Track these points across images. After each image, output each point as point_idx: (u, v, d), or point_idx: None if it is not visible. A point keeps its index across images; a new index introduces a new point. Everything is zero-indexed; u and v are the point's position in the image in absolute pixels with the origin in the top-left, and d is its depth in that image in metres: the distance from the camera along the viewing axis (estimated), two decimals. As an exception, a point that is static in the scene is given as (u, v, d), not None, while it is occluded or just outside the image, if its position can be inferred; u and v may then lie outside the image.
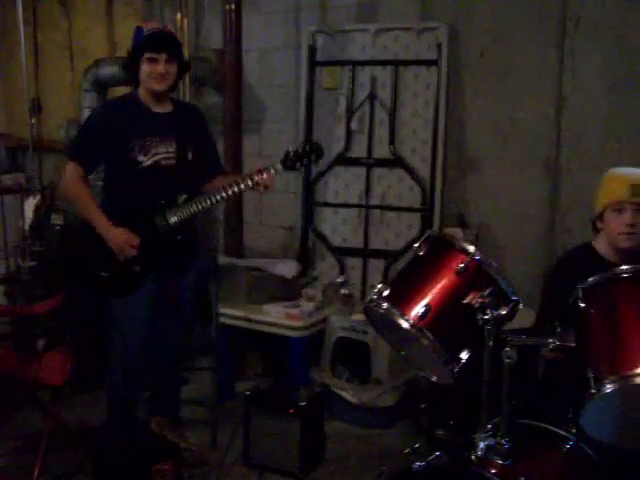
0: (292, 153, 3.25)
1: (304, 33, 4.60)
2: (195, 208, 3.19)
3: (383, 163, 4.45)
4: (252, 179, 3.20)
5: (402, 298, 2.15)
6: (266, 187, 3.23)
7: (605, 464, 2.27)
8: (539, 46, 4.04)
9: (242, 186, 3.20)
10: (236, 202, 4.65)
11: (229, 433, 3.66)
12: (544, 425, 2.41)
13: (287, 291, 4.33)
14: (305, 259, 4.66)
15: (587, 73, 3.94)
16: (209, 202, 3.19)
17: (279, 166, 3.24)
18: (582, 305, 2.01)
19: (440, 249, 2.20)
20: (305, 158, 3.28)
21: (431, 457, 2.34)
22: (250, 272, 4.38)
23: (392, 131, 4.39)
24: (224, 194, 3.19)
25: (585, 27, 3.92)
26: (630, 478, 2.38)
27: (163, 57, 3.10)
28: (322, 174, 4.59)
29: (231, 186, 3.19)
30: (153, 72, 3.12)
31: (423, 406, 3.54)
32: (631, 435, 2.15)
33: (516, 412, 2.53)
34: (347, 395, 4.03)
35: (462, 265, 2.09)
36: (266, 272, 4.39)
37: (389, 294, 2.17)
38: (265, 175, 3.20)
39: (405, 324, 2.10)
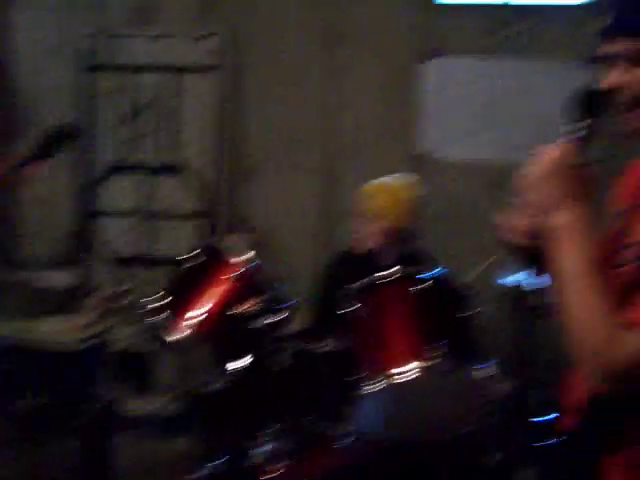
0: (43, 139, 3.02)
1: (79, 35, 4.42)
2: None
3: (166, 169, 4.38)
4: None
5: (179, 308, 2.13)
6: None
7: (380, 459, 2.39)
8: (316, 56, 4.19)
9: None
10: (5, 210, 4.38)
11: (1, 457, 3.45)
12: (323, 424, 2.49)
13: (66, 303, 4.15)
14: (85, 269, 4.48)
15: (359, 84, 4.15)
16: None
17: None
18: (352, 307, 2.09)
19: (216, 257, 2.22)
20: (58, 142, 3.04)
21: (213, 464, 2.34)
22: (25, 284, 4.15)
23: (175, 137, 4.34)
24: None
25: (357, 40, 4.11)
26: (403, 469, 2.52)
27: None
28: (103, 181, 4.44)
29: None
30: None
31: (207, 414, 3.54)
32: (402, 430, 2.28)
33: (298, 413, 2.60)
34: (132, 407, 3.94)
35: (237, 273, 2.12)
36: (42, 284, 4.18)
37: (166, 304, 2.15)
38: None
39: (182, 334, 2.09)
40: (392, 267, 2.55)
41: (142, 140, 4.40)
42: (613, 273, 1.33)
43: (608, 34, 1.33)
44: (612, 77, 1.33)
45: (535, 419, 3.19)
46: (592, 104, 1.32)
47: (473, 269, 3.29)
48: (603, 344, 1.22)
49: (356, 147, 4.18)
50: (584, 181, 1.30)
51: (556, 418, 1.52)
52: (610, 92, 1.33)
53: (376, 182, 3.03)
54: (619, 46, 1.31)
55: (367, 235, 2.92)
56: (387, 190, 2.98)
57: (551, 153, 1.30)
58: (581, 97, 1.33)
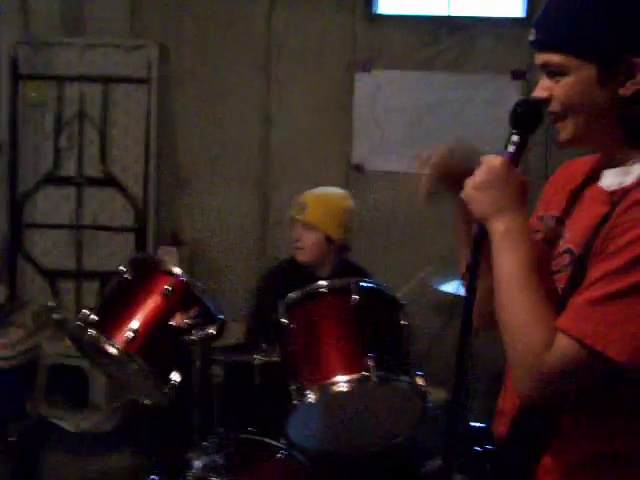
0: None
1: (4, 43, 4.32)
2: None
3: (94, 182, 4.31)
4: None
5: (109, 323, 2.11)
6: None
7: (315, 469, 2.41)
8: (247, 69, 4.18)
9: None
10: None
11: None
12: (258, 437, 2.49)
13: (-6, 319, 4.05)
14: (13, 284, 4.38)
15: (291, 96, 4.16)
16: None
17: None
18: (284, 320, 2.10)
19: (146, 271, 2.19)
20: None
21: (149, 480, 2.32)
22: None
23: (103, 149, 4.28)
24: None
25: (288, 54, 4.13)
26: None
27: None
28: (30, 194, 4.34)
29: None
30: None
31: (142, 429, 3.51)
32: (336, 441, 2.29)
33: (234, 426, 2.59)
34: (65, 424, 3.86)
35: (168, 287, 2.10)
36: (-32, 300, 4.07)
37: (95, 320, 2.12)
38: None
39: (113, 350, 2.06)
40: (327, 278, 2.58)
41: (70, 152, 4.32)
42: (551, 280, 1.36)
43: (533, 48, 1.38)
44: (539, 88, 1.37)
45: (473, 425, 3.26)
46: (525, 115, 1.36)
47: (405, 283, 3.34)
48: (536, 347, 1.25)
49: (290, 159, 4.20)
50: (521, 189, 1.34)
51: (492, 425, 1.55)
52: (540, 103, 1.36)
53: (313, 192, 3.05)
54: (541, 59, 1.36)
55: (305, 245, 2.93)
56: (324, 200, 3.01)
57: (490, 162, 1.33)
58: (515, 108, 1.37)
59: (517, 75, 3.85)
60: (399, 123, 4.05)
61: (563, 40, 1.32)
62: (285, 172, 4.20)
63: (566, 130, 1.36)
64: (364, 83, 4.05)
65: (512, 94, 3.70)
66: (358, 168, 4.11)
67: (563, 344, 1.24)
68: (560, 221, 1.47)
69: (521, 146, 1.36)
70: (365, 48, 4.04)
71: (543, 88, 1.36)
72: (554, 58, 1.32)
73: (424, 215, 4.02)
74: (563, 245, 1.41)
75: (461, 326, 1.38)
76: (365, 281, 2.16)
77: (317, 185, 3.20)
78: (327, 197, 3.03)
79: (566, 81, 1.32)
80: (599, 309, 1.22)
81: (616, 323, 1.21)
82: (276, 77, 4.16)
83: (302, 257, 2.95)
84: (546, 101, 1.36)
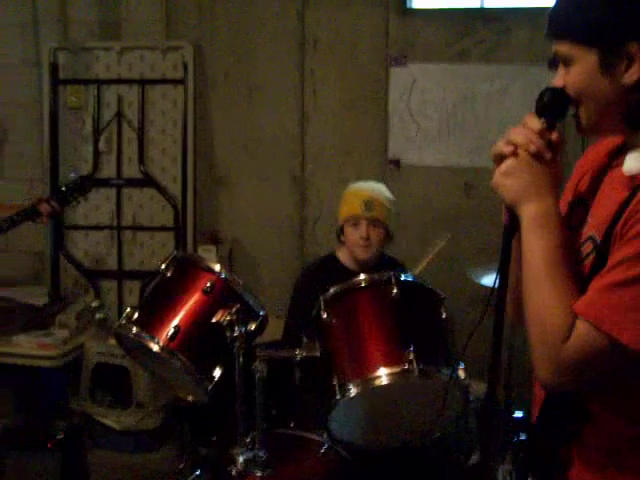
0: (64, 188, 3.22)
1: (44, 49, 4.40)
2: None
3: (133, 183, 4.37)
4: (34, 210, 3.12)
5: (151, 321, 2.13)
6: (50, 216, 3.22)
7: (357, 463, 2.41)
8: (281, 66, 4.20)
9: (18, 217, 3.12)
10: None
11: (-21, 477, 3.42)
12: (300, 433, 2.50)
13: (38, 320, 4.12)
14: (57, 285, 4.46)
15: (326, 92, 4.16)
16: None
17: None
18: (324, 315, 2.11)
19: (186, 269, 2.22)
20: (76, 193, 3.26)
21: (191, 477, 2.34)
22: (-2, 301, 4.12)
23: (141, 150, 4.33)
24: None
25: (322, 49, 4.13)
26: (381, 473, 2.54)
27: None
28: (71, 196, 4.41)
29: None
30: None
31: (185, 426, 3.54)
32: (377, 435, 2.30)
33: (276, 422, 2.61)
34: (109, 422, 3.92)
35: (208, 284, 2.12)
36: (14, 301, 4.14)
37: (137, 317, 2.15)
38: (51, 204, 3.14)
39: (155, 347, 2.09)
40: (368, 272, 2.58)
41: (109, 154, 4.39)
42: (576, 269, 1.35)
43: (547, 38, 1.40)
44: (555, 78, 1.38)
45: (515, 416, 3.24)
46: (551, 103, 1.35)
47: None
48: (557, 333, 1.24)
49: (326, 155, 4.20)
50: (552, 175, 1.33)
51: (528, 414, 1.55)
52: (560, 91, 1.36)
53: (366, 187, 3.06)
54: (553, 49, 1.38)
55: (374, 242, 2.94)
56: (382, 194, 3.03)
57: (526, 145, 1.32)
58: (540, 96, 1.37)
59: (554, 65, 3.80)
60: (435, 117, 4.03)
61: (568, 28, 1.34)
62: (322, 168, 4.21)
63: (582, 117, 1.36)
64: (399, 77, 4.04)
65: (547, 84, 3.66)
66: (394, 163, 4.10)
67: (580, 329, 1.23)
68: (585, 206, 1.45)
69: (549, 130, 1.34)
70: (399, 42, 4.03)
71: (559, 77, 1.37)
72: (562, 47, 1.34)
73: (460, 207, 4.01)
74: (587, 232, 1.40)
75: (494, 317, 1.37)
76: (405, 275, 2.16)
77: (352, 181, 3.21)
78: (382, 191, 3.05)
79: (573, 69, 1.34)
80: (616, 294, 1.21)
81: (633, 308, 1.19)
82: (310, 73, 4.16)
83: (368, 254, 2.95)
84: (562, 90, 1.36)
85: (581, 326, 1.23)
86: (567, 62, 1.34)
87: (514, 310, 1.44)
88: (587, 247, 1.38)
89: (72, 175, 3.48)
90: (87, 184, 3.34)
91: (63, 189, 3.26)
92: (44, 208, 3.16)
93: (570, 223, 1.44)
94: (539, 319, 1.28)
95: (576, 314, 1.24)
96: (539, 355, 1.29)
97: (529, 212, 1.31)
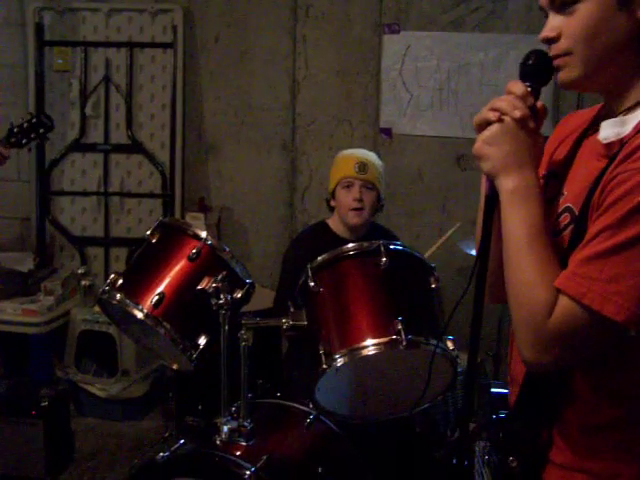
0: (16, 128, 3.02)
1: (29, 9, 4.29)
2: None
3: (121, 149, 4.31)
4: None
5: (135, 288, 2.09)
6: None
7: (343, 434, 2.39)
8: (273, 32, 4.13)
9: None
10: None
11: (-39, 444, 3.40)
12: (286, 402, 2.48)
13: (24, 286, 4.08)
14: (43, 251, 4.41)
15: (317, 60, 4.10)
16: None
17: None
18: (311, 284, 2.07)
19: (172, 236, 2.17)
20: (32, 132, 3.06)
21: (175, 446, 2.32)
22: (-18, 268, 4.07)
23: (129, 116, 4.27)
24: None
25: (314, 15, 4.06)
26: (368, 444, 2.53)
27: None
28: (57, 161, 4.35)
29: None
30: None
31: (171, 394, 3.52)
32: (364, 406, 2.27)
33: (262, 391, 2.59)
34: (95, 389, 3.92)
35: (194, 251, 2.08)
36: (1, 266, 4.10)
37: (122, 284, 2.11)
38: None
39: (139, 314, 2.05)
40: (358, 240, 2.55)
41: (96, 119, 4.31)
42: (553, 242, 1.31)
43: None
44: (546, 29, 1.31)
45: (494, 392, 3.23)
46: (536, 67, 1.30)
47: (431, 245, 3.30)
48: (540, 308, 1.21)
49: (317, 123, 4.15)
50: (534, 146, 1.29)
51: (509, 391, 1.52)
52: (549, 41, 1.30)
53: (358, 152, 3.05)
54: None
55: (367, 205, 2.92)
56: (374, 159, 3.03)
57: (510, 111, 1.27)
58: (525, 60, 1.31)
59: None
60: (428, 86, 3.97)
61: None
62: (312, 136, 4.16)
63: (574, 67, 1.28)
64: (392, 45, 3.98)
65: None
66: (386, 132, 4.05)
67: (563, 304, 1.19)
68: (560, 177, 1.41)
69: (534, 98, 1.30)
70: (393, 9, 3.96)
71: (551, 27, 1.29)
72: None
73: (451, 178, 3.98)
74: (563, 204, 1.36)
75: (475, 291, 1.34)
76: (394, 244, 2.12)
77: (342, 149, 3.17)
78: (373, 156, 3.04)
79: (583, 7, 1.25)
80: (596, 266, 1.16)
81: (613, 279, 1.15)
82: (302, 39, 4.10)
83: (360, 219, 2.93)
84: (552, 41, 1.29)
85: (563, 301, 1.19)
86: (573, 2, 1.25)
87: (488, 286, 1.38)
88: (564, 219, 1.34)
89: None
90: (43, 120, 3.10)
91: (15, 130, 3.05)
92: None
93: (545, 194, 1.38)
94: (521, 295, 1.24)
95: (557, 289, 1.20)
96: (523, 333, 1.24)
97: (507, 185, 1.26)
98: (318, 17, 4.06)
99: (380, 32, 3.99)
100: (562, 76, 1.31)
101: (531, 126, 1.27)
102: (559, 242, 1.32)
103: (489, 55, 3.88)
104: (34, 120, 3.06)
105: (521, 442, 1.41)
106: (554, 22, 1.30)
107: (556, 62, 1.30)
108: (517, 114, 1.25)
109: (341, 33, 4.04)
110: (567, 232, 1.32)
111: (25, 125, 3.04)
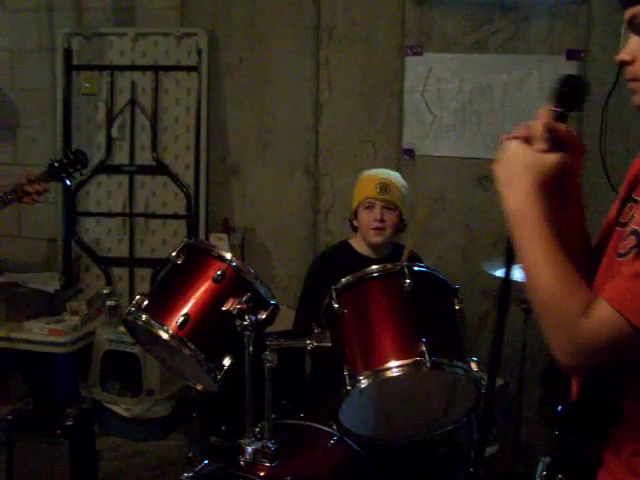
0: (57, 164, 3.13)
1: (58, 35, 4.38)
2: None
3: (146, 170, 4.36)
4: (21, 189, 3.04)
5: (160, 308, 2.11)
6: (36, 197, 3.08)
7: (367, 455, 2.39)
8: (296, 55, 4.17)
9: (9, 197, 3.03)
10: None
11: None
12: (309, 423, 2.48)
13: (50, 306, 4.12)
14: (69, 272, 4.45)
15: (341, 82, 4.12)
16: None
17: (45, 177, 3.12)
18: (335, 305, 2.08)
19: (197, 257, 2.19)
20: (70, 168, 3.17)
21: (199, 466, 2.33)
22: (8, 288, 4.11)
23: (154, 137, 4.31)
24: None
25: (337, 38, 4.09)
26: (391, 466, 2.52)
27: None
28: (83, 183, 4.40)
29: None
30: None
31: (195, 415, 3.52)
32: (387, 427, 2.27)
33: (286, 412, 2.59)
34: (119, 409, 3.93)
35: (219, 272, 2.10)
36: (26, 287, 4.14)
37: (147, 305, 2.13)
38: (37, 185, 3.05)
39: (165, 335, 2.07)
40: (380, 261, 2.55)
41: (122, 141, 4.37)
42: (617, 262, 1.31)
43: (619, 4, 1.31)
44: (624, 51, 1.29)
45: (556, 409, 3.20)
46: (572, 94, 1.31)
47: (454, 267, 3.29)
48: (573, 316, 1.21)
49: (340, 144, 4.17)
50: (542, 167, 1.30)
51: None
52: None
53: (380, 172, 3.07)
54: (628, 14, 1.28)
55: (388, 225, 2.93)
56: (397, 180, 3.04)
57: (521, 131, 1.29)
58: (560, 86, 1.32)
59: (572, 55, 3.74)
60: (451, 107, 3.98)
61: None
62: (335, 158, 4.18)
63: None
64: (415, 67, 3.99)
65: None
66: (409, 153, 4.06)
67: (605, 314, 1.19)
68: (636, 203, 1.41)
69: (561, 122, 1.32)
70: (415, 31, 3.98)
71: (628, 51, 1.29)
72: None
73: (474, 199, 3.98)
74: (631, 227, 1.36)
75: (497, 305, 1.34)
76: (418, 265, 2.13)
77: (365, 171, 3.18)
78: (397, 177, 3.06)
79: None
80: None
81: None
82: (325, 62, 4.13)
83: (382, 238, 2.94)
84: (626, 63, 1.29)
85: (606, 311, 1.19)
86: None
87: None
88: (630, 241, 1.34)
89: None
90: (80, 157, 3.23)
91: (56, 165, 3.18)
92: (32, 188, 3.07)
93: (620, 219, 1.40)
94: (549, 305, 1.24)
95: (603, 299, 1.20)
96: (555, 340, 1.25)
97: (507, 207, 1.30)
98: (341, 40, 4.09)
99: (403, 54, 4.01)
100: (636, 100, 1.32)
101: (541, 147, 1.29)
102: (622, 264, 1.31)
103: (511, 76, 3.88)
104: (72, 156, 3.18)
105: (571, 460, 1.40)
106: (632, 45, 1.29)
107: (630, 86, 1.30)
108: (522, 133, 1.30)
109: (364, 55, 4.07)
110: (632, 254, 1.32)
111: (64, 161, 3.15)
